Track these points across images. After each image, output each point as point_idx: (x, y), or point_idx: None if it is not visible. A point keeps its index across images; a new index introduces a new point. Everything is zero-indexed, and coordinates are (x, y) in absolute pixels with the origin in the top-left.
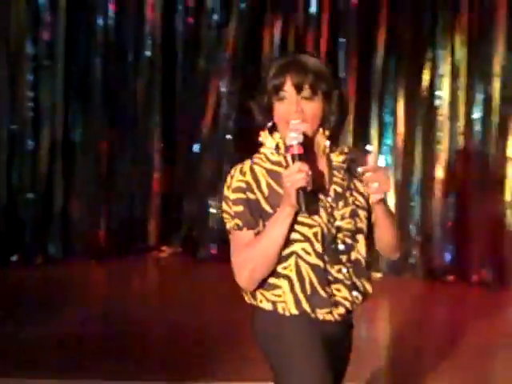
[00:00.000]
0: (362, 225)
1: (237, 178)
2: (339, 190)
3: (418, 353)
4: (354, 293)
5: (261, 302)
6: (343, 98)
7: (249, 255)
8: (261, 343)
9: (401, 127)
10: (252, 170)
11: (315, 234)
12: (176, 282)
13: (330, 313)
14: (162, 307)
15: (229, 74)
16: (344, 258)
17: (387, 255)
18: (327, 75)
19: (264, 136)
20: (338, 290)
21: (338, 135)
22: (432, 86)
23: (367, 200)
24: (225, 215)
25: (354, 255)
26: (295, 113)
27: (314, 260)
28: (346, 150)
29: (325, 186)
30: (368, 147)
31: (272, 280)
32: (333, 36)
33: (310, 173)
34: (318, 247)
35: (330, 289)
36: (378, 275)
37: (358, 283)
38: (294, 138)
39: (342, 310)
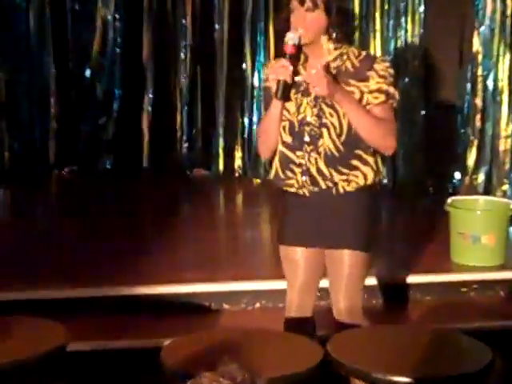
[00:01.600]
0: (329, 120)
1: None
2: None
3: None
4: (304, 178)
5: None
6: (344, 10)
7: (257, 133)
8: None
9: (272, 46)
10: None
11: (284, 127)
12: (77, 196)
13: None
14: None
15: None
16: (309, 148)
17: (382, 150)
18: None
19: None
20: (294, 173)
21: (347, 42)
22: None
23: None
24: None
25: (320, 147)
26: (300, 22)
27: (282, 148)
28: (346, 51)
29: (304, 86)
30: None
31: None
32: None
33: (291, 68)
34: (287, 138)
35: (289, 172)
36: (257, 181)
37: (325, 171)
38: (291, 39)
39: (294, 188)
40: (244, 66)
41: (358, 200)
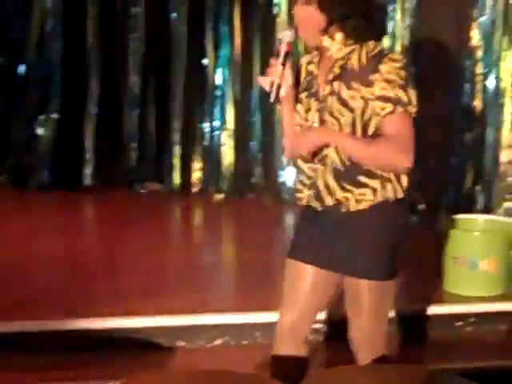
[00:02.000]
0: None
1: None
2: (327, 92)
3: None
4: (310, 192)
5: None
6: (343, 4)
7: None
8: None
9: (238, 38)
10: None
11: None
12: (6, 213)
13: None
14: None
15: None
16: (316, 159)
17: (394, 172)
18: None
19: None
20: (304, 186)
21: (364, 37)
22: None
23: (351, 105)
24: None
25: (326, 159)
26: (295, 19)
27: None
28: (358, 47)
29: (315, 88)
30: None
31: None
32: None
33: (280, 68)
34: None
35: (299, 184)
36: (219, 196)
37: (332, 186)
38: (284, 38)
39: (304, 202)
40: (205, 61)
41: (371, 220)
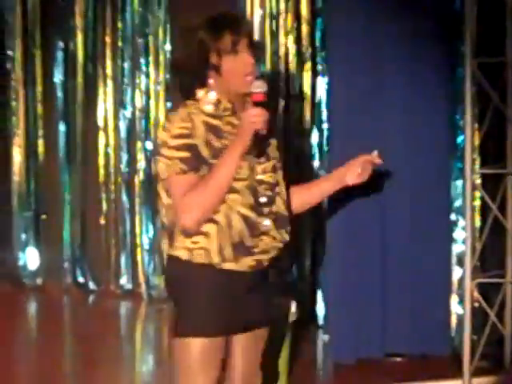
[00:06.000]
0: (280, 178)
1: (178, 124)
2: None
3: None
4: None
5: (176, 249)
6: None
7: (199, 197)
8: (169, 290)
9: None
10: (191, 118)
11: (247, 187)
12: None
13: (251, 262)
14: None
15: None
16: (266, 210)
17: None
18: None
19: (204, 92)
20: (261, 241)
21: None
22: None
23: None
24: (165, 160)
25: (275, 207)
26: (253, 64)
27: (245, 211)
28: None
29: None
30: None
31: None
32: None
33: (265, 119)
34: (250, 199)
35: (256, 239)
36: None
37: (277, 235)
38: (259, 87)
39: (260, 259)
40: None
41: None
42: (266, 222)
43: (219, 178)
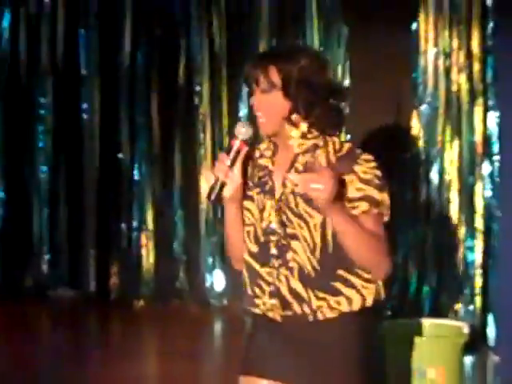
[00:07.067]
0: (298, 231)
1: None
2: (288, 190)
3: None
4: (273, 301)
5: None
6: (315, 86)
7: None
8: None
9: (156, 129)
10: None
11: (248, 233)
12: None
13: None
14: None
15: None
16: (277, 262)
17: (372, 273)
18: (287, 63)
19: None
20: (263, 292)
21: (326, 129)
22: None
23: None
24: None
25: (290, 262)
26: (255, 106)
27: (248, 258)
28: (322, 142)
29: (270, 185)
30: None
31: None
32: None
33: (227, 164)
34: (252, 247)
35: (257, 288)
36: (139, 303)
37: (300, 291)
38: (240, 133)
39: (262, 310)
40: (121, 155)
41: (341, 330)
42: (274, 275)
43: (225, 225)
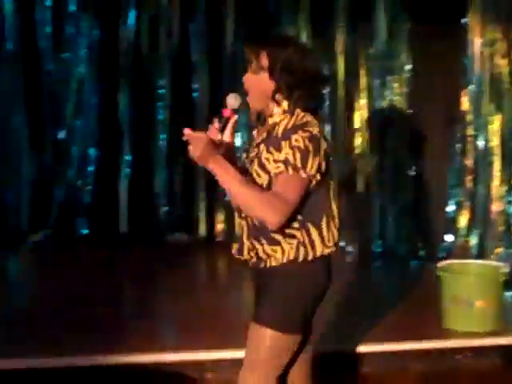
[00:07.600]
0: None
1: None
2: (253, 154)
3: None
4: (237, 244)
5: None
6: (299, 71)
7: None
8: None
9: None
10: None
11: None
12: (51, 263)
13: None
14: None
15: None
16: (242, 213)
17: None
18: (275, 50)
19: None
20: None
21: (305, 107)
22: None
23: (266, 168)
24: None
25: (245, 214)
26: (245, 84)
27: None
28: (289, 117)
29: (250, 151)
30: None
31: None
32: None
33: (217, 131)
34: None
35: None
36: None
37: (248, 241)
38: (231, 104)
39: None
40: None
41: (283, 276)
42: (242, 224)
43: None
